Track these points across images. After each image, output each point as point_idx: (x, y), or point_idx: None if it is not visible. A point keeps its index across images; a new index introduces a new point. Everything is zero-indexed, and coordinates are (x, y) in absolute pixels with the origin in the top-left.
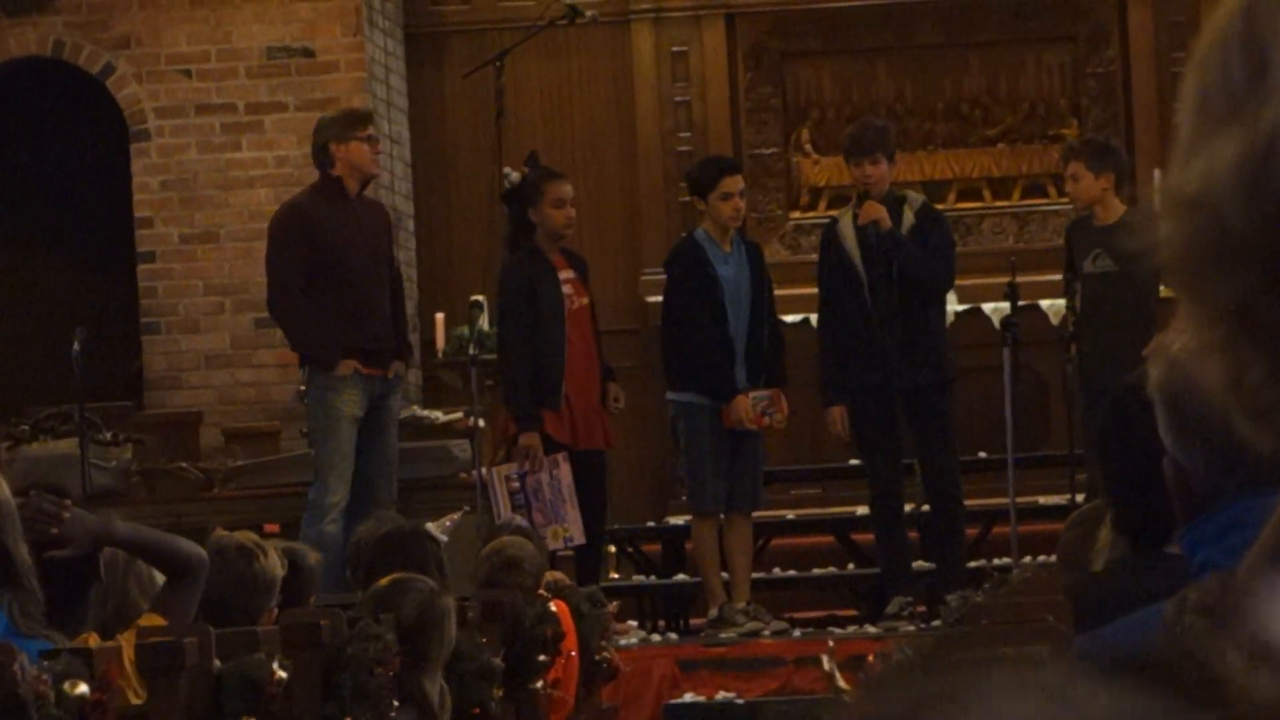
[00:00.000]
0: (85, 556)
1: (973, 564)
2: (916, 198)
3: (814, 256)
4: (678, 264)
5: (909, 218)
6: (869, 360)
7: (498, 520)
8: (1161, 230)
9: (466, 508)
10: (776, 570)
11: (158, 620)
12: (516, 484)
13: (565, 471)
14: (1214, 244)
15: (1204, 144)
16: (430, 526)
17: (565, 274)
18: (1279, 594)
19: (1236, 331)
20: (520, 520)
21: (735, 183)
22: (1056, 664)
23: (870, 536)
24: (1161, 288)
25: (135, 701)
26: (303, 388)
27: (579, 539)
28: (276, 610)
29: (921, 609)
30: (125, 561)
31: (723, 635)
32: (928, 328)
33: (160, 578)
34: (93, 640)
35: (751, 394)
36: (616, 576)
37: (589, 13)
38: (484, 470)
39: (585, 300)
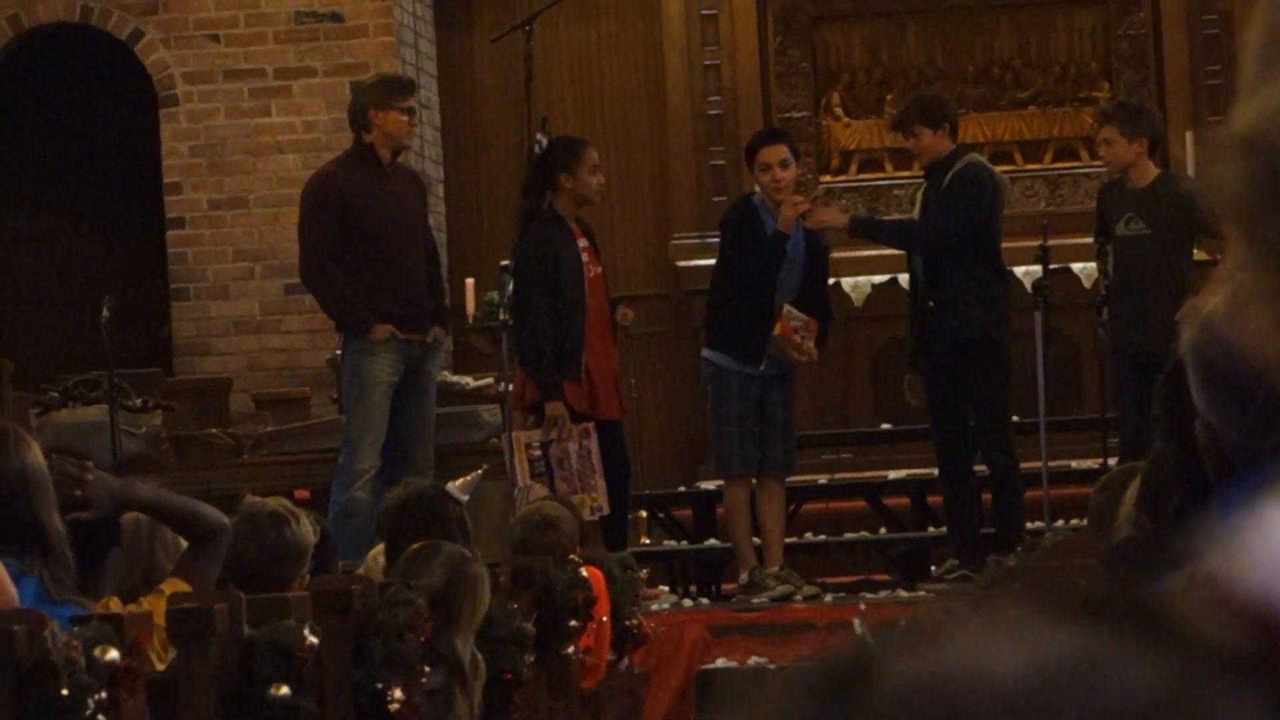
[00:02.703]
0: (106, 520)
1: None
2: (965, 160)
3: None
4: (729, 221)
5: (945, 183)
6: (913, 322)
7: (515, 488)
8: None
9: (486, 466)
10: (808, 535)
11: (181, 585)
12: (537, 452)
13: (595, 442)
14: (1267, 183)
15: (1263, 84)
16: (450, 487)
17: (582, 242)
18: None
19: None
20: (542, 489)
21: (774, 153)
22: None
23: (903, 501)
24: (1195, 251)
25: (159, 666)
26: (339, 352)
27: (607, 509)
28: (309, 577)
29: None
30: (150, 526)
31: (754, 600)
32: (949, 289)
33: (184, 542)
34: (114, 605)
35: (790, 308)
36: (647, 542)
37: None
38: (505, 436)
39: (599, 269)
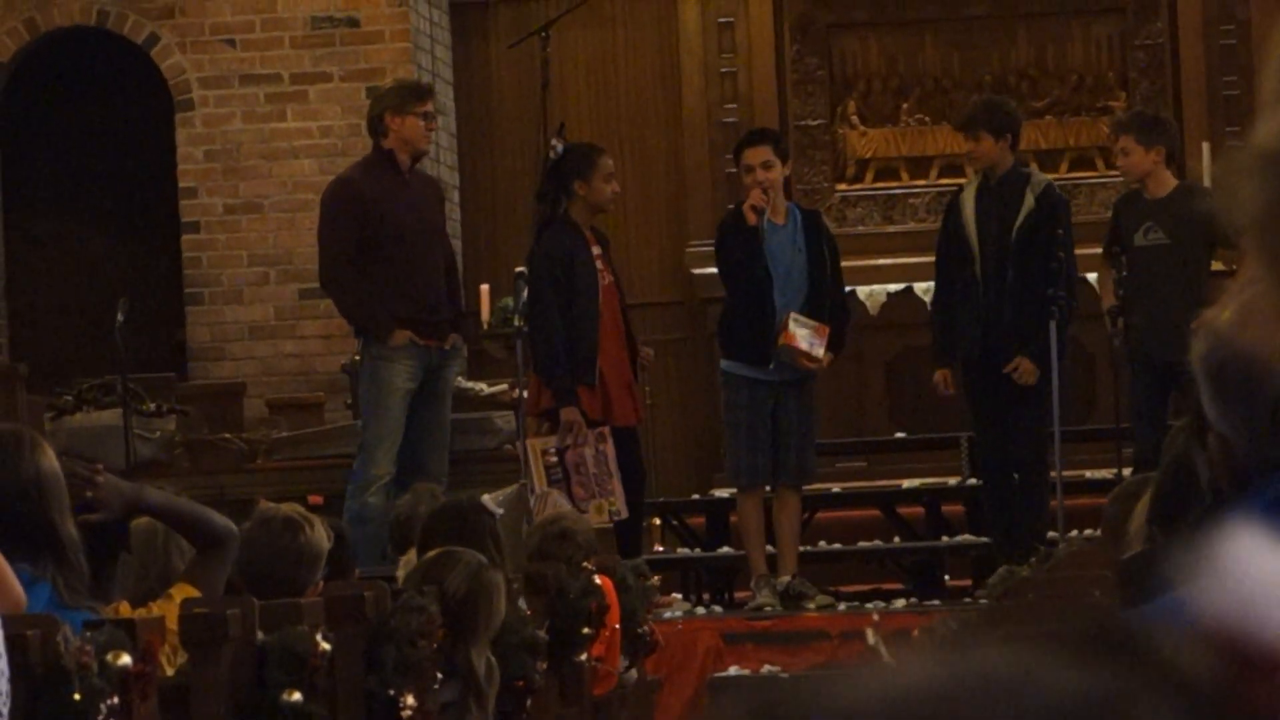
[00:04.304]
0: (116, 524)
1: None
2: (1041, 180)
3: (860, 229)
4: (722, 231)
5: (1029, 202)
6: (974, 334)
7: (532, 495)
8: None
9: (523, 480)
10: (822, 544)
11: (189, 590)
12: (554, 458)
13: (610, 446)
14: None
15: None
16: (486, 499)
17: (596, 250)
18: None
19: None
20: (559, 495)
21: (756, 155)
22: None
23: (917, 510)
24: (1213, 262)
25: (168, 671)
26: (357, 357)
27: (624, 513)
28: (322, 583)
29: None
30: (165, 531)
31: (766, 608)
32: (1040, 308)
33: None
34: (124, 609)
35: (796, 315)
36: (660, 549)
37: None
38: (520, 443)
39: (612, 277)
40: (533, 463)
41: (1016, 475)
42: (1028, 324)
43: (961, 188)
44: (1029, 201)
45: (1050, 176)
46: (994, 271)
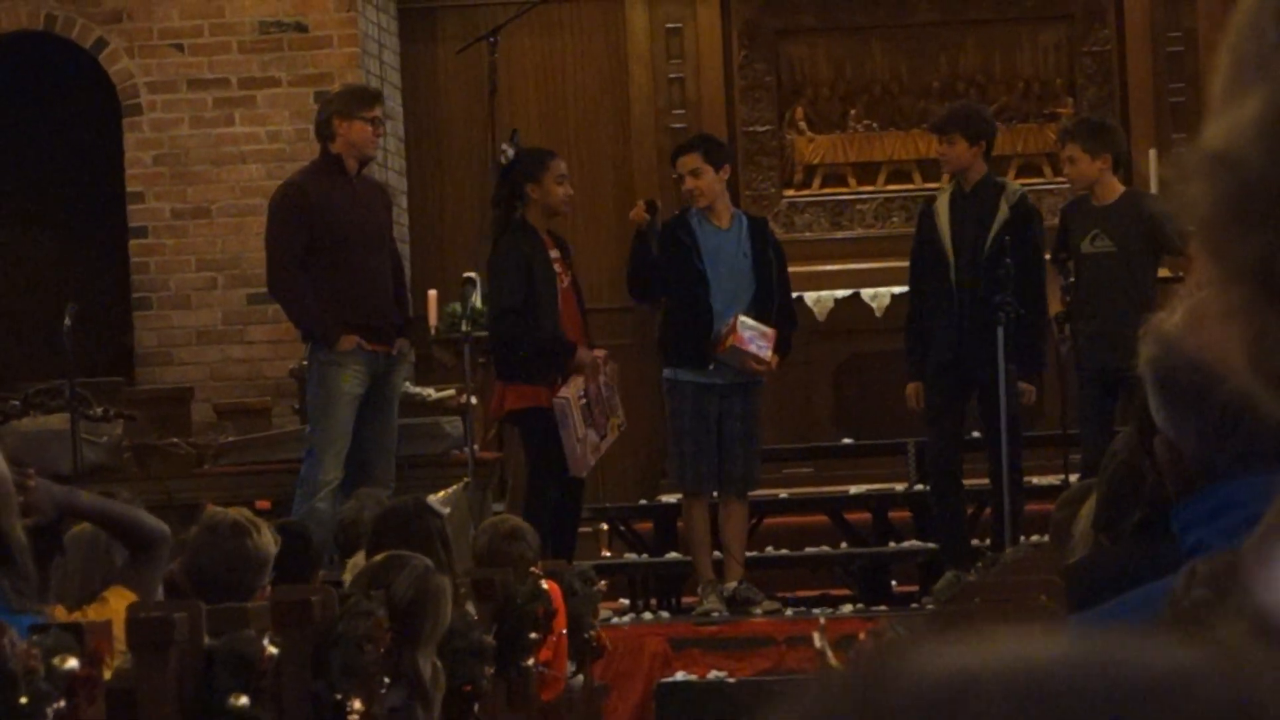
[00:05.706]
0: (49, 527)
1: None
2: (1015, 189)
3: (808, 234)
4: (663, 236)
5: (1004, 211)
6: (946, 341)
7: (579, 444)
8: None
9: (467, 479)
10: (769, 549)
11: (125, 593)
12: (583, 400)
13: (610, 364)
14: (1236, 199)
15: (1232, 102)
16: (432, 499)
17: (553, 253)
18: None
19: (1258, 293)
20: (592, 435)
21: (685, 163)
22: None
23: (864, 515)
24: (1159, 269)
25: (105, 674)
26: (304, 362)
27: (625, 423)
28: (270, 587)
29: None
30: (107, 535)
31: (713, 614)
32: (1016, 320)
33: None
34: (59, 614)
35: (744, 318)
36: (608, 554)
37: None
38: (557, 401)
39: (570, 280)
40: (574, 413)
41: (989, 481)
42: (1011, 339)
43: (934, 196)
44: (1004, 210)
45: None
46: (969, 280)
